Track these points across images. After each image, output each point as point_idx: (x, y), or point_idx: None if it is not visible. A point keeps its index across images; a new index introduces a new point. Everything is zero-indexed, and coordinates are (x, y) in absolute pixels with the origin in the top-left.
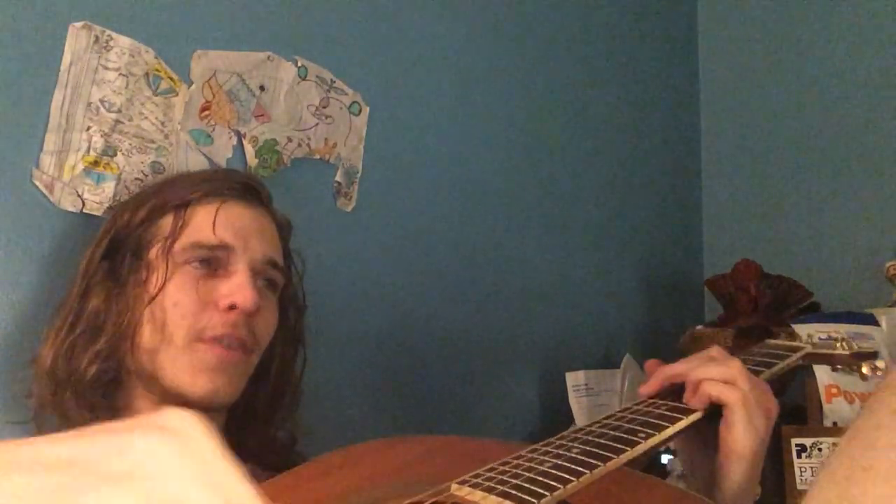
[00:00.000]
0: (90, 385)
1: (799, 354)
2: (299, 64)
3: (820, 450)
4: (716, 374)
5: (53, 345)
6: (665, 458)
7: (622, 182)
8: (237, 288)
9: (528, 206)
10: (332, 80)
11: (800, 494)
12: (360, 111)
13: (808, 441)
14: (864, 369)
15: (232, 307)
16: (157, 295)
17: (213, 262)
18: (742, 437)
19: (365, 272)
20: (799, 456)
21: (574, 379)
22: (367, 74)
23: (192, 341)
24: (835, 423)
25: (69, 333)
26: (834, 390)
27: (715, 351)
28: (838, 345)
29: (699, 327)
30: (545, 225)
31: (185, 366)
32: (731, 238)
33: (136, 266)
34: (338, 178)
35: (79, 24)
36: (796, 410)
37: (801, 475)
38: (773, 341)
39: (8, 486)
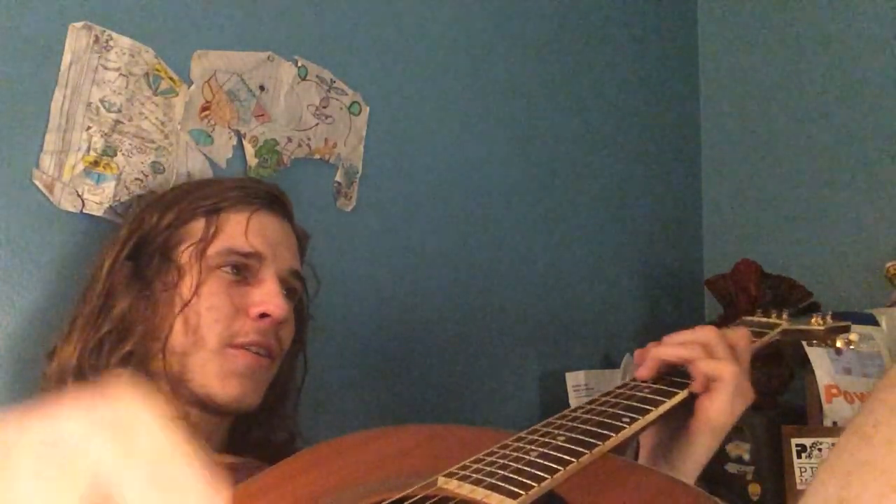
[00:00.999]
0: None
1: (777, 331)
2: (299, 64)
3: (820, 450)
4: (709, 351)
5: (80, 341)
6: None
7: (622, 182)
8: (269, 297)
9: (528, 206)
10: (332, 80)
11: (800, 494)
12: (360, 111)
13: (808, 441)
14: (839, 343)
15: (263, 315)
16: (191, 299)
17: (243, 269)
18: (723, 410)
19: (365, 272)
20: (799, 456)
21: (574, 379)
22: (367, 74)
23: (223, 346)
24: (835, 423)
25: (95, 331)
26: (834, 390)
27: (710, 331)
28: (813, 320)
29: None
30: (545, 225)
31: (215, 370)
32: (731, 238)
33: (164, 268)
34: (338, 178)
35: (79, 24)
36: (796, 410)
37: (801, 475)
38: (749, 318)
39: None
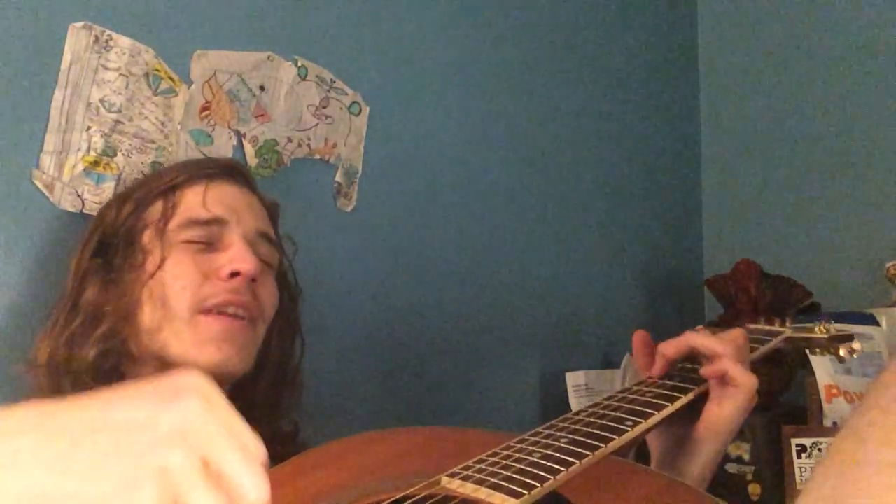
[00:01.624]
0: (90, 369)
1: (779, 338)
2: (299, 64)
3: (820, 450)
4: (738, 355)
5: (50, 338)
6: None
7: (622, 182)
8: (237, 255)
9: (528, 206)
10: (332, 80)
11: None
12: (360, 111)
13: (808, 441)
14: (842, 352)
15: (234, 274)
16: (155, 272)
17: (208, 237)
18: (733, 417)
19: (365, 272)
20: (799, 456)
21: (574, 379)
22: (367, 74)
23: (194, 314)
24: (835, 423)
25: (66, 327)
26: (834, 390)
27: (740, 335)
28: (817, 328)
29: (699, 327)
30: (545, 225)
31: (190, 339)
32: (731, 238)
33: (129, 253)
34: (338, 178)
35: (79, 24)
36: (796, 410)
37: (801, 475)
38: (753, 326)
39: (63, 449)
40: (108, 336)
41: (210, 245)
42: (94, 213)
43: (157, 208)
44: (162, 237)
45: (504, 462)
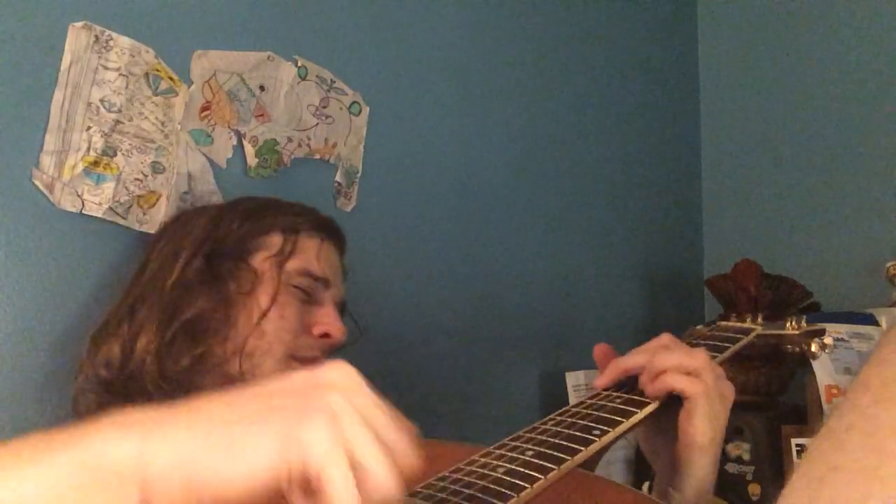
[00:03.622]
0: (178, 381)
1: (751, 336)
2: (299, 64)
3: (802, 458)
4: (678, 365)
5: (152, 333)
6: None
7: (622, 182)
8: (332, 319)
9: (528, 206)
10: (332, 80)
11: None
12: (360, 111)
13: (808, 441)
14: (814, 347)
15: (324, 335)
16: (268, 309)
17: (311, 290)
18: (703, 428)
19: (365, 272)
20: (799, 456)
21: (574, 379)
22: (367, 74)
23: (288, 358)
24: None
25: (166, 327)
26: (834, 390)
27: (667, 339)
28: (788, 324)
29: (699, 327)
30: (545, 225)
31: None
32: (731, 238)
33: (239, 271)
34: (338, 178)
35: (79, 24)
36: (796, 410)
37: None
38: (724, 323)
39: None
40: (207, 356)
41: (309, 298)
42: (94, 213)
43: (276, 240)
44: (279, 272)
45: (467, 479)
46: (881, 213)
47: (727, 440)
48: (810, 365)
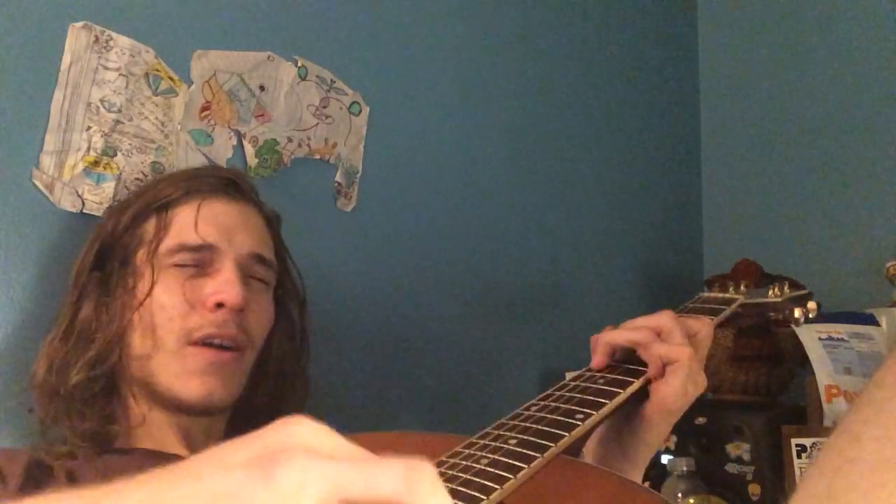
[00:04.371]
0: (79, 394)
1: (735, 305)
2: (299, 64)
3: (819, 452)
4: (666, 336)
5: (47, 357)
6: (665, 459)
7: (622, 182)
8: (223, 285)
9: (528, 206)
10: (332, 80)
11: None
12: (360, 111)
13: (808, 441)
14: (797, 313)
15: (219, 305)
16: (144, 300)
17: (198, 261)
18: (675, 394)
19: (365, 272)
20: (799, 456)
21: None
22: (367, 74)
23: (182, 345)
24: (835, 423)
25: (62, 345)
26: (834, 390)
27: (667, 316)
28: (771, 292)
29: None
30: (545, 225)
31: (176, 371)
32: (731, 238)
33: (123, 273)
34: (338, 178)
35: (79, 24)
36: (796, 410)
37: (801, 475)
38: (706, 294)
39: None
40: (98, 361)
41: (200, 268)
42: (94, 213)
43: (150, 226)
44: (153, 260)
45: (450, 473)
46: (881, 213)
47: (727, 440)
48: (810, 365)
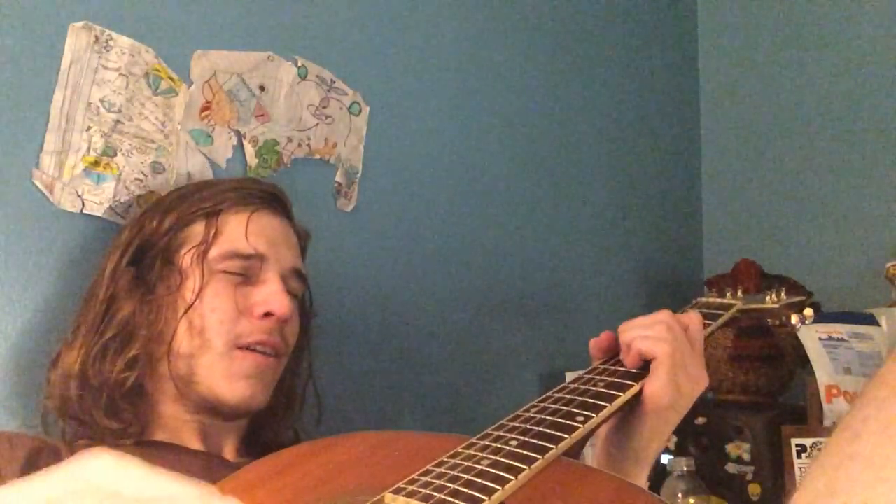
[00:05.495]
0: (123, 392)
1: (732, 311)
2: (299, 64)
3: (820, 450)
4: (646, 332)
5: (83, 348)
6: (665, 458)
7: (622, 182)
8: (272, 296)
9: (528, 207)
10: (332, 80)
11: None
12: (360, 111)
13: (808, 441)
14: (794, 319)
15: (268, 314)
16: (195, 302)
17: (246, 270)
18: (662, 389)
19: (365, 272)
20: (799, 456)
21: None
22: (367, 74)
23: (230, 348)
24: (835, 423)
25: (98, 337)
26: (834, 390)
27: (664, 315)
28: (768, 298)
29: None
30: (545, 225)
31: (223, 372)
32: (731, 238)
33: (166, 272)
34: (338, 178)
35: (79, 24)
36: (796, 410)
37: (801, 475)
38: (704, 300)
39: None
40: (140, 358)
41: (247, 278)
42: (94, 213)
43: (198, 230)
44: (202, 263)
45: (451, 473)
46: (881, 214)
47: (727, 440)
48: (810, 365)
